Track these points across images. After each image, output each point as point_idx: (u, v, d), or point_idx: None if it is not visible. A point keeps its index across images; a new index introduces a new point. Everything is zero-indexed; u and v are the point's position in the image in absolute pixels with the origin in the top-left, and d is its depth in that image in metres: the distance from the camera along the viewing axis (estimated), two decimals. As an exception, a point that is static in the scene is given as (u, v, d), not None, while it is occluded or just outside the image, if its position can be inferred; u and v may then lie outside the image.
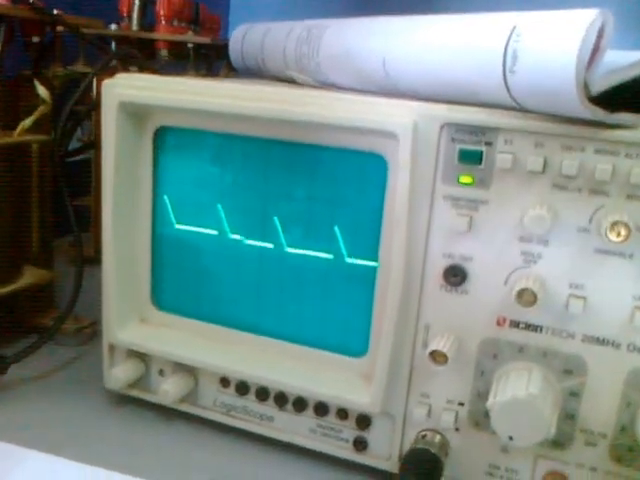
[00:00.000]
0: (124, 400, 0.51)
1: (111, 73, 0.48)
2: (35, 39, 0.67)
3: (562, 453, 0.40)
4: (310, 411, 0.46)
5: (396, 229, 0.40)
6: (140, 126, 0.48)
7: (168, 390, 0.47)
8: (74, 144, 0.73)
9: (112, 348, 0.50)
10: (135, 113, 0.47)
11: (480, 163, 0.39)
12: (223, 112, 0.44)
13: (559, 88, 0.34)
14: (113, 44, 0.82)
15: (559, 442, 0.40)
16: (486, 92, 0.39)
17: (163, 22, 0.83)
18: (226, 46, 0.76)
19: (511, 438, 0.38)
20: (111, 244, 0.48)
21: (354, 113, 0.40)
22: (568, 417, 0.39)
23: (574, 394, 0.39)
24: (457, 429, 0.42)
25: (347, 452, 0.45)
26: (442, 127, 0.39)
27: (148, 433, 0.48)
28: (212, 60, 0.86)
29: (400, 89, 0.45)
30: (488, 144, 0.38)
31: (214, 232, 0.47)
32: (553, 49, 0.34)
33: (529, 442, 0.37)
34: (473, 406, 0.41)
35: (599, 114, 0.35)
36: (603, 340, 0.38)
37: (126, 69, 0.67)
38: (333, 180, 0.43)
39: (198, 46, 0.82)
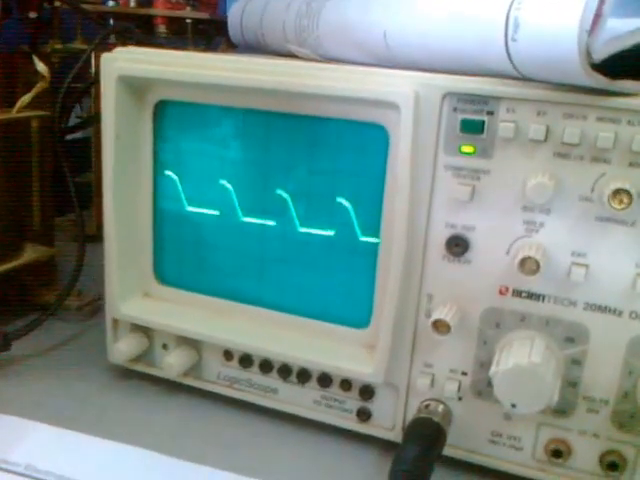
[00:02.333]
0: (128, 374, 0.52)
1: (109, 49, 0.48)
2: (32, 15, 0.67)
3: (564, 420, 0.40)
4: (314, 383, 0.46)
5: (398, 200, 0.40)
6: (140, 100, 0.47)
7: (172, 364, 0.48)
8: (73, 121, 0.72)
9: (115, 323, 0.51)
10: (134, 87, 0.47)
11: (482, 132, 0.38)
12: (223, 85, 0.44)
13: (561, 55, 0.34)
14: (111, 21, 0.81)
15: (561, 409, 0.40)
16: (488, 61, 0.38)
17: (162, -2, 0.82)
18: (225, 21, 0.75)
19: (514, 406, 0.38)
20: (112, 219, 0.48)
21: (355, 84, 0.40)
22: (570, 384, 0.39)
23: (576, 362, 0.39)
24: (460, 398, 0.42)
25: (351, 423, 0.46)
26: (444, 97, 0.39)
27: (152, 407, 0.49)
28: (211, 36, 0.85)
29: (401, 61, 0.45)
30: (490, 113, 0.38)
31: (216, 206, 0.47)
32: (555, 16, 0.33)
33: (532, 410, 0.37)
34: (476, 375, 0.42)
35: (601, 82, 0.34)
36: (605, 308, 0.38)
37: (124, 45, 0.67)
38: (335, 152, 0.43)
39: (196, 22, 0.82)
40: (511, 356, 0.38)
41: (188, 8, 0.82)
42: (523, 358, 0.38)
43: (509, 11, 0.36)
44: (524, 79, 0.37)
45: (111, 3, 0.82)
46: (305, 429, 0.47)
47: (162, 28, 0.82)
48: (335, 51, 0.52)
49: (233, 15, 0.74)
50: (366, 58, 0.48)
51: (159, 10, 0.81)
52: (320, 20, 0.53)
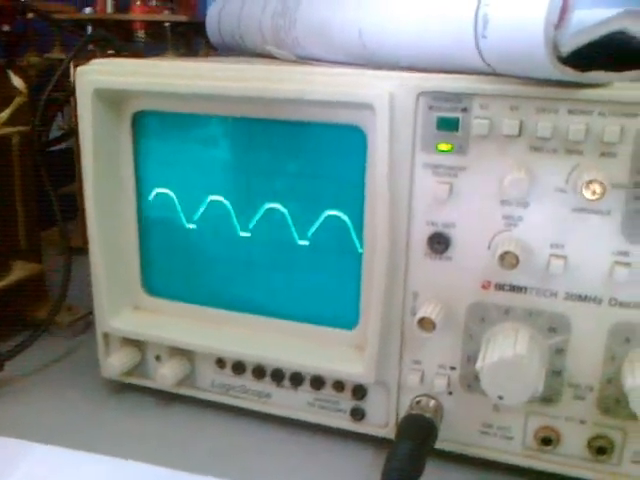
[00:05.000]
0: (123, 388, 0.52)
1: (89, 58, 0.48)
2: (5, 28, 0.66)
3: (552, 408, 0.41)
4: (307, 385, 0.47)
5: (378, 200, 0.41)
6: (117, 112, 0.48)
7: (166, 375, 0.48)
8: (56, 132, 0.72)
9: (107, 337, 0.51)
10: (111, 99, 0.47)
11: (457, 130, 0.39)
12: (199, 94, 0.44)
13: (529, 50, 0.34)
14: (90, 28, 0.81)
15: (548, 398, 0.41)
16: (461, 59, 0.39)
17: (138, 2, 0.82)
18: (204, 24, 0.75)
19: (501, 398, 0.39)
20: (97, 233, 0.48)
21: (330, 87, 0.41)
22: (555, 373, 0.40)
23: (560, 351, 0.40)
24: (450, 393, 0.43)
25: (345, 422, 0.46)
26: (418, 96, 0.39)
27: (149, 419, 0.49)
28: (191, 38, 0.85)
29: (378, 60, 0.45)
30: (464, 110, 0.39)
31: (200, 214, 0.48)
32: (521, 11, 0.34)
33: (518, 400, 0.38)
34: (464, 369, 0.42)
35: (570, 74, 0.35)
36: (585, 297, 0.39)
37: (104, 53, 0.66)
38: (316, 155, 0.44)
39: (175, 25, 0.81)
40: (496, 349, 0.39)
41: (166, 11, 0.82)
42: (507, 351, 0.38)
43: (478, 8, 0.36)
44: (496, 75, 0.37)
45: (88, 10, 0.81)
46: (301, 431, 0.47)
47: (141, 33, 0.81)
48: (313, 51, 0.52)
49: (210, 17, 0.74)
50: (344, 57, 0.48)
51: (137, 15, 0.80)
52: (296, 20, 0.54)
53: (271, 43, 0.59)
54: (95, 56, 0.48)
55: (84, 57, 0.55)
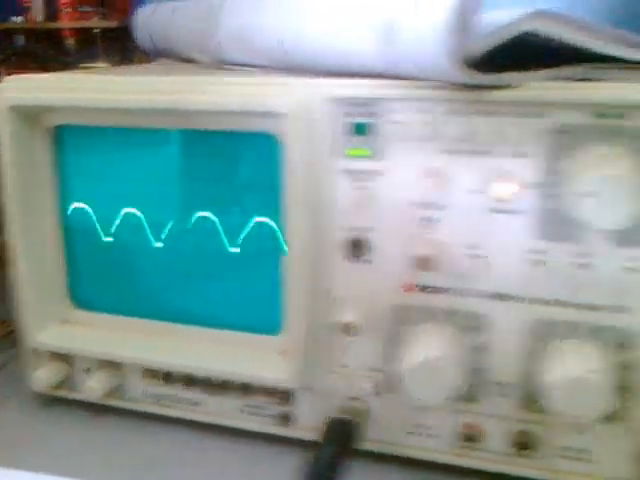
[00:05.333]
0: (55, 401, 0.51)
1: (19, 68, 0.47)
2: None
3: (475, 406, 0.41)
4: (236, 392, 0.46)
5: (296, 206, 0.41)
6: (35, 127, 0.47)
7: (94, 387, 0.48)
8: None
9: (35, 350, 0.50)
10: (28, 115, 0.46)
11: (371, 135, 0.39)
12: (113, 108, 0.44)
13: (434, 57, 0.35)
14: (19, 38, 0.79)
15: (471, 396, 0.41)
16: (372, 64, 0.39)
17: (68, 9, 0.81)
18: (135, 29, 0.74)
19: (421, 399, 0.39)
20: (20, 250, 0.47)
21: (241, 97, 0.40)
22: (477, 372, 0.41)
23: (481, 349, 0.40)
24: (377, 394, 0.43)
25: (275, 427, 0.46)
26: (330, 102, 0.39)
27: (80, 432, 0.48)
28: (125, 44, 0.83)
29: (300, 65, 0.45)
30: (376, 115, 0.39)
31: (122, 225, 0.47)
32: (424, 18, 0.34)
33: (437, 400, 0.39)
34: (389, 371, 0.42)
35: (476, 77, 0.35)
36: (504, 295, 0.39)
37: (26, 66, 0.65)
38: (237, 164, 0.44)
39: (106, 31, 0.80)
40: (416, 351, 0.39)
41: (96, 17, 0.81)
42: (427, 353, 0.39)
43: (386, 14, 0.37)
44: (407, 79, 0.38)
45: (19, 19, 0.80)
46: (234, 438, 0.47)
47: (71, 41, 0.80)
48: (235, 56, 0.52)
49: (140, 22, 0.73)
50: (267, 62, 0.48)
51: (65, 23, 0.79)
52: (219, 25, 0.53)
53: (195, 49, 0.59)
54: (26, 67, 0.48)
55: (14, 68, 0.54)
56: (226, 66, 0.53)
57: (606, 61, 0.38)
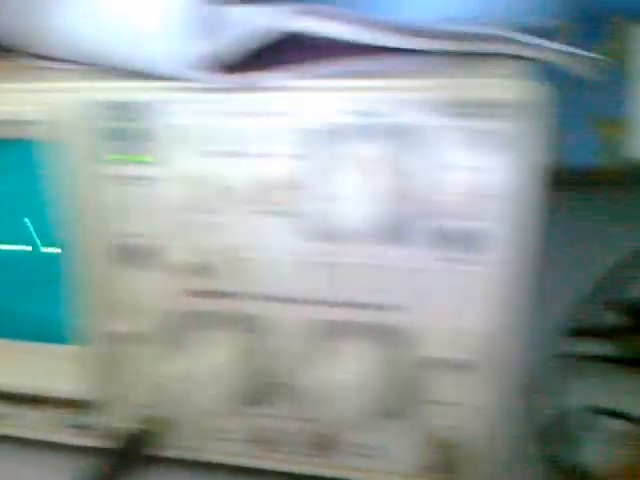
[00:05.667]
0: None
1: None
2: None
3: (268, 409, 0.41)
4: (30, 404, 0.45)
5: (66, 215, 0.39)
6: None
7: None
8: None
9: None
10: None
11: (137, 140, 0.37)
12: None
13: (174, 62, 0.34)
14: None
15: (262, 399, 0.41)
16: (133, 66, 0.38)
17: None
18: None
19: (207, 405, 0.39)
20: None
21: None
22: (263, 374, 0.40)
23: (264, 352, 0.40)
24: (174, 401, 0.42)
25: (75, 438, 0.45)
26: (93, 107, 0.37)
27: None
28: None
29: (102, 64, 0.43)
30: (143, 119, 0.37)
31: None
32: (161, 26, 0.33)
33: (222, 406, 0.39)
34: (180, 378, 0.42)
35: (211, 79, 0.35)
36: (280, 297, 0.38)
37: None
38: (5, 172, 0.42)
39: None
40: (197, 358, 0.38)
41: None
42: (207, 359, 0.38)
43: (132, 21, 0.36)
44: (177, 80, 0.36)
45: None
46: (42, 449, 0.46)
47: None
48: (52, 51, 0.49)
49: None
50: (73, 57, 0.46)
51: None
52: (28, 19, 0.51)
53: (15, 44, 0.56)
54: None
55: None
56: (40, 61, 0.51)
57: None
